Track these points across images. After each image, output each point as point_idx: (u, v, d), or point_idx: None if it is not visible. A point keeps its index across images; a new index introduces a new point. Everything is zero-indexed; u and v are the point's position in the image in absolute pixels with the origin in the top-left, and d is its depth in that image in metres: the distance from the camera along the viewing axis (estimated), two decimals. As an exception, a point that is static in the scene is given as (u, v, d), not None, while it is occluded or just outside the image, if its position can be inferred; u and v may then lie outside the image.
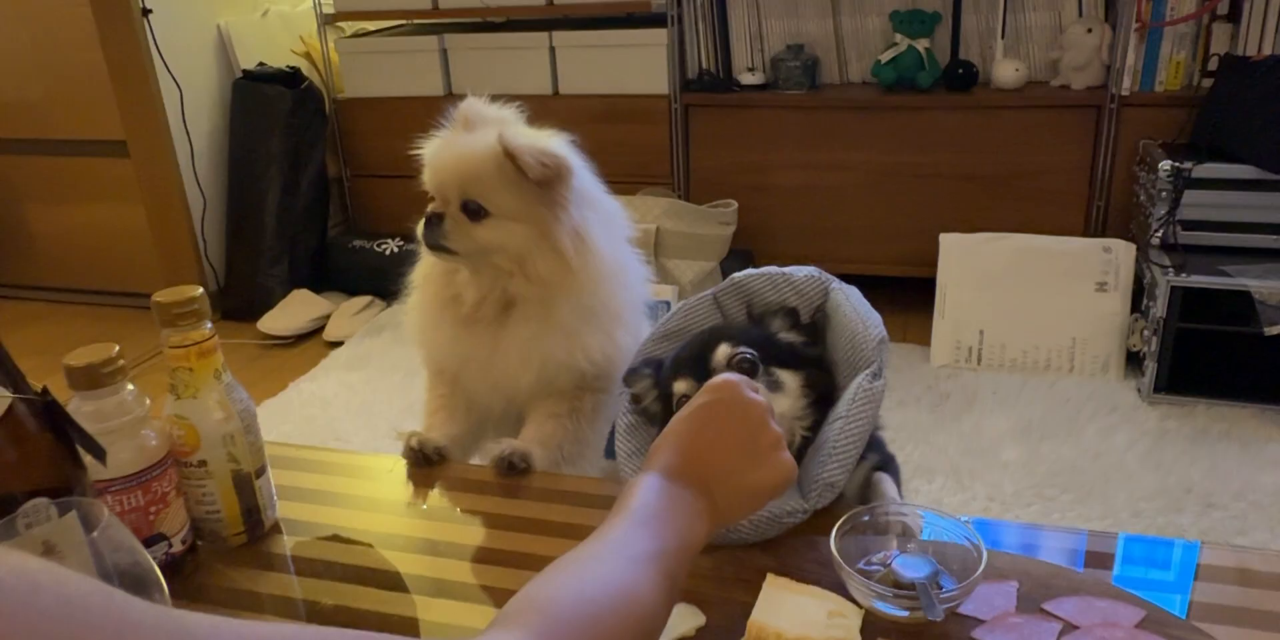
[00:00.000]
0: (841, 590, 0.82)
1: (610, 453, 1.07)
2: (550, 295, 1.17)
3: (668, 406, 0.99)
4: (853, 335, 0.96)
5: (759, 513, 0.87)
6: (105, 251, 3.34)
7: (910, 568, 0.82)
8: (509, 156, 1.11)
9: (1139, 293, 2.48)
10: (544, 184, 1.12)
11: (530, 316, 1.19)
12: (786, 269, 1.05)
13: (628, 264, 1.25)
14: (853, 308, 0.98)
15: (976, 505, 1.94)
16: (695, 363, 0.96)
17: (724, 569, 0.88)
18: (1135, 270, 2.50)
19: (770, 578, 0.83)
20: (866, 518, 0.86)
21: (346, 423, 2.42)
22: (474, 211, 1.15)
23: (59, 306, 3.41)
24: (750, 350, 0.94)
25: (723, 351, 0.94)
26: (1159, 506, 1.90)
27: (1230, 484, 1.96)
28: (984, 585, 0.81)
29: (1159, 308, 2.28)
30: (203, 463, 0.95)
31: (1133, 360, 2.50)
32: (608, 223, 1.22)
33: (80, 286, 3.43)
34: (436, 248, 1.17)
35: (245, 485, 0.99)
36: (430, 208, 1.17)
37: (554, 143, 1.15)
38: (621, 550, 0.63)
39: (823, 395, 0.97)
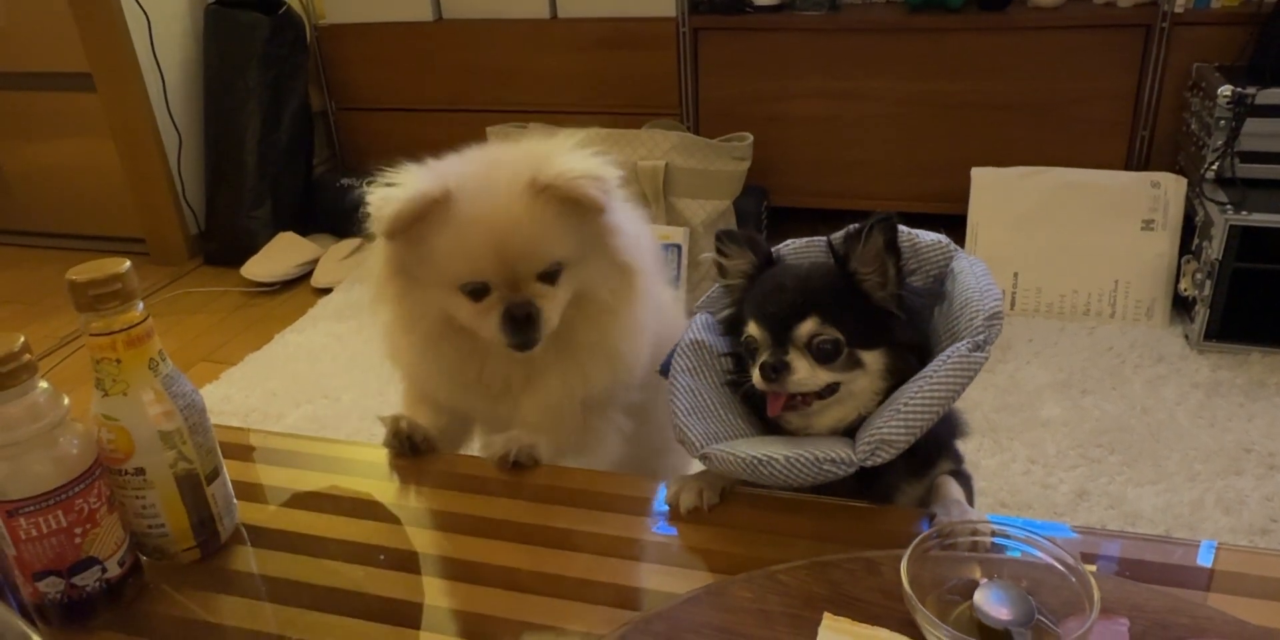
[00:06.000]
0: (911, 628, 0.69)
1: (665, 370, 0.94)
2: (607, 321, 1.02)
3: (737, 321, 0.92)
4: (965, 303, 0.86)
5: (799, 452, 0.80)
6: (79, 193, 3.17)
7: (998, 605, 0.69)
8: (563, 199, 0.94)
9: (1187, 231, 2.30)
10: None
11: (562, 348, 1.03)
12: (914, 231, 0.96)
13: (657, 249, 1.11)
14: (974, 277, 0.89)
15: (1017, 467, 1.79)
16: (777, 315, 0.86)
17: (767, 600, 0.74)
18: (1185, 207, 2.31)
19: (828, 619, 0.69)
20: (940, 539, 0.73)
21: (336, 379, 2.27)
22: (553, 275, 0.97)
23: (32, 252, 3.25)
24: (836, 334, 0.85)
25: (807, 328, 0.85)
26: (1216, 469, 1.76)
27: (1293, 443, 1.82)
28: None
29: (1214, 249, 2.10)
30: (140, 470, 0.81)
31: (1178, 304, 2.33)
32: (630, 208, 1.05)
33: (55, 230, 3.26)
34: (533, 344, 0.97)
35: (195, 492, 0.85)
36: (504, 301, 0.95)
37: (585, 160, 0.98)
38: None
39: (904, 380, 0.85)
